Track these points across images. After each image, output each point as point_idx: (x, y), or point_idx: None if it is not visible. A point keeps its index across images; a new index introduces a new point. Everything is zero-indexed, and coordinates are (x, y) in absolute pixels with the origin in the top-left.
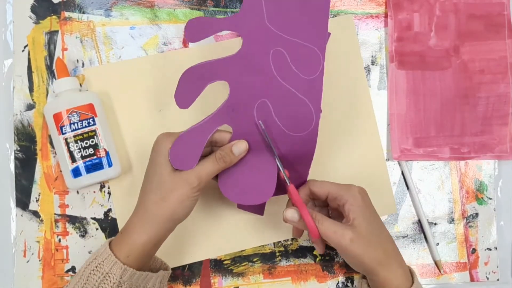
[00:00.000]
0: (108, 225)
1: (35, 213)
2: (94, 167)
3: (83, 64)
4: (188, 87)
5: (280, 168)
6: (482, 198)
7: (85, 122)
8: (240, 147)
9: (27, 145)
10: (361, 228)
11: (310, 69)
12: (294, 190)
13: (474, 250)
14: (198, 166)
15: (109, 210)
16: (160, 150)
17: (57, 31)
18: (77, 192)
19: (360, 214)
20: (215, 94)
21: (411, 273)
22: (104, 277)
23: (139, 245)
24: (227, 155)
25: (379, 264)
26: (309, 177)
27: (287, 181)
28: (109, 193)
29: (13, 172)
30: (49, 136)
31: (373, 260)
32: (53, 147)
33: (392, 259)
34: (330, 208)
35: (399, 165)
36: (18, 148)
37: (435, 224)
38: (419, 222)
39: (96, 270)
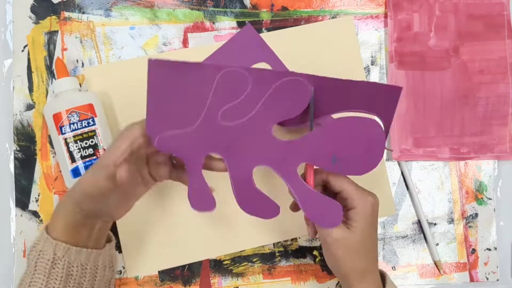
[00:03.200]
0: None
1: (35, 213)
2: None
3: (82, 64)
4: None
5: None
6: (481, 198)
7: (84, 122)
8: None
9: (26, 145)
10: (354, 235)
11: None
12: (311, 172)
13: (473, 251)
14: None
15: None
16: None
17: (57, 31)
18: None
19: (361, 225)
20: None
21: (385, 280)
22: (39, 254)
23: (62, 215)
24: None
25: (356, 274)
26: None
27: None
28: None
29: (13, 172)
30: (49, 136)
31: (351, 267)
32: (52, 147)
33: (369, 274)
34: (337, 199)
35: (399, 165)
36: (18, 148)
37: (435, 224)
38: (419, 222)
39: (33, 249)
